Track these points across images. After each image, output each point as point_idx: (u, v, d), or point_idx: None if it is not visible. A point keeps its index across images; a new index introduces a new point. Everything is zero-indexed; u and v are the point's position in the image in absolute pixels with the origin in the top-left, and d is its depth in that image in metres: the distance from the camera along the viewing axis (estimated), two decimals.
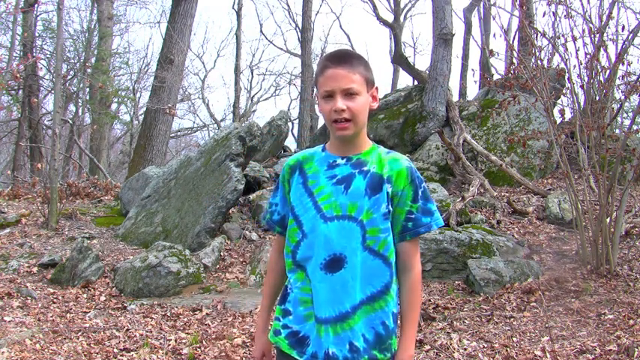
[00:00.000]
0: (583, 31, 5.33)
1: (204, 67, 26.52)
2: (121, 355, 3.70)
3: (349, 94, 1.56)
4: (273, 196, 1.77)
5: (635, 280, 4.68)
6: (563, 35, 5.37)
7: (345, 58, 1.59)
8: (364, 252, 1.58)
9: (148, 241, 6.52)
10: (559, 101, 7.13)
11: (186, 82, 22.57)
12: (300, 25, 18.65)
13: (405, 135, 9.25)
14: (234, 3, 20.88)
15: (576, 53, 5.23)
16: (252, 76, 26.58)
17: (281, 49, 25.00)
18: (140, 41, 38.23)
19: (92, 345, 3.86)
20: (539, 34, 5.57)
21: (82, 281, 5.41)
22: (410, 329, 1.62)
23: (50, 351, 3.71)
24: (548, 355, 3.35)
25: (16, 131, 14.62)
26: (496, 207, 6.90)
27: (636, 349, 3.23)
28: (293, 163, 1.71)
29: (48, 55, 14.71)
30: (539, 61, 5.49)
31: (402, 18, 19.26)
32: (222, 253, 6.21)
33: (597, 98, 5.19)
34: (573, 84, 5.35)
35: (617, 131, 7.29)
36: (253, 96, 26.21)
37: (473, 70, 8.41)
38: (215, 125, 23.13)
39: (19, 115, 13.66)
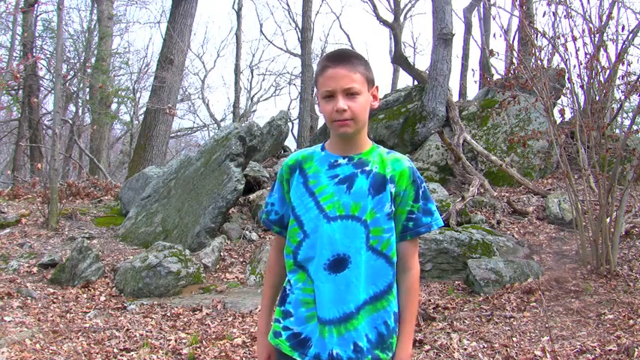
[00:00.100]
0: (583, 31, 5.34)
1: (204, 67, 26.42)
2: (121, 355, 3.70)
3: (350, 93, 1.55)
4: (270, 196, 1.76)
5: (635, 280, 4.68)
6: (563, 35, 5.37)
7: (345, 57, 1.59)
8: (368, 252, 1.57)
9: (148, 241, 6.52)
10: (559, 101, 7.14)
11: (186, 82, 22.63)
12: (300, 25, 18.63)
13: (405, 135, 9.24)
14: (234, 3, 20.92)
15: (576, 53, 5.24)
16: (252, 76, 26.58)
17: (281, 49, 24.99)
18: (140, 41, 38.16)
19: (92, 345, 3.86)
20: (539, 34, 5.57)
21: (82, 281, 5.41)
22: (408, 328, 1.62)
23: (50, 351, 3.71)
24: (548, 355, 3.34)
25: (16, 131, 14.60)
26: (496, 207, 6.90)
27: (636, 349, 3.23)
28: (292, 162, 1.69)
29: (48, 55, 14.70)
30: (539, 61, 5.49)
31: (402, 18, 19.23)
32: (222, 253, 6.21)
33: (597, 98, 5.18)
34: (573, 84, 5.36)
35: (617, 131, 7.29)
36: (253, 96, 26.22)
37: (473, 70, 8.43)
38: (215, 125, 23.14)
39: (19, 115, 13.64)
